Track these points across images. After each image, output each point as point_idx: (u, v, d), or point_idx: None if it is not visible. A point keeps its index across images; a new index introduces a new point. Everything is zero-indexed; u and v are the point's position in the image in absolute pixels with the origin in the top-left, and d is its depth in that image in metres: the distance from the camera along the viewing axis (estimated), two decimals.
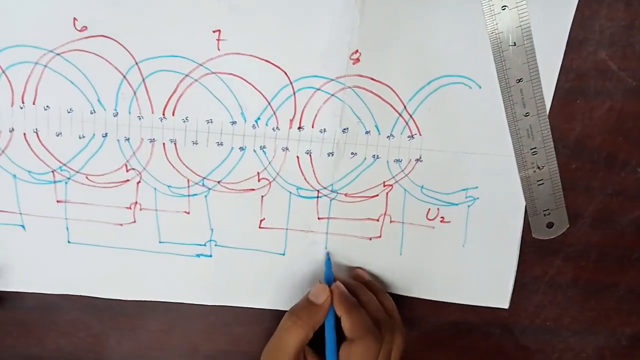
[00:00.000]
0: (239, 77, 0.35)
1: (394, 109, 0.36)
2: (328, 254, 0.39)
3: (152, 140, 0.36)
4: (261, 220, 0.38)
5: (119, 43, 0.34)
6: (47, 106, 0.35)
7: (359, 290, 0.37)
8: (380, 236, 0.39)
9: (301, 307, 0.35)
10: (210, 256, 0.39)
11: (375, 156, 0.37)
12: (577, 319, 0.41)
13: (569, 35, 0.34)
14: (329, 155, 0.37)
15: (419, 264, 0.39)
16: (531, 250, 0.39)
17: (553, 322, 0.41)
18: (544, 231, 0.38)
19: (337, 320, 0.35)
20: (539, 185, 0.37)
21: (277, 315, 0.40)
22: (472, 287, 0.40)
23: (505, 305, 0.40)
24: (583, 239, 0.39)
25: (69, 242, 0.38)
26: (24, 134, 0.36)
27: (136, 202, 0.37)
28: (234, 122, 0.36)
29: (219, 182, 0.37)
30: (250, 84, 0.35)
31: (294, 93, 0.35)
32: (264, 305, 0.40)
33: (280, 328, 0.34)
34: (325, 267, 0.38)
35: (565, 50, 0.34)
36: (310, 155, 0.37)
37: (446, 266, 0.39)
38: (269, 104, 0.35)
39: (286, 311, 0.35)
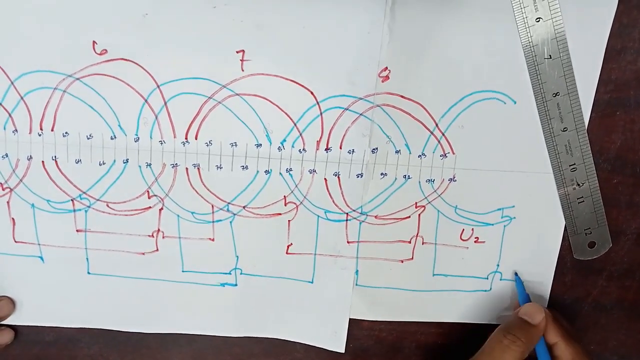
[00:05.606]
0: (264, 98, 0.34)
1: (425, 127, 0.34)
2: (516, 273, 0.37)
3: (175, 166, 0.35)
4: (288, 246, 0.36)
5: (139, 66, 0.33)
6: (66, 132, 0.34)
7: (560, 317, 0.35)
8: (412, 258, 0.37)
9: (517, 326, 0.33)
10: (236, 285, 0.37)
11: (407, 176, 0.35)
12: (624, 343, 0.39)
13: (606, 45, 0.33)
14: (358, 177, 0.35)
15: (452, 285, 0.38)
16: (572, 270, 0.37)
17: (598, 345, 0.39)
18: (586, 251, 0.37)
19: None
20: (579, 203, 0.35)
21: (305, 345, 0.38)
22: (504, 308, 0.38)
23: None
24: (627, 257, 0.37)
25: (88, 273, 0.37)
26: (43, 161, 0.35)
27: (159, 230, 0.36)
28: (259, 145, 0.34)
29: (244, 207, 0.36)
30: (275, 105, 0.34)
31: (321, 113, 0.34)
32: (291, 337, 0.38)
33: (493, 347, 0.32)
34: (517, 287, 0.36)
35: (603, 61, 0.33)
36: (338, 177, 0.35)
37: (478, 286, 0.38)
38: (295, 125, 0.34)
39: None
